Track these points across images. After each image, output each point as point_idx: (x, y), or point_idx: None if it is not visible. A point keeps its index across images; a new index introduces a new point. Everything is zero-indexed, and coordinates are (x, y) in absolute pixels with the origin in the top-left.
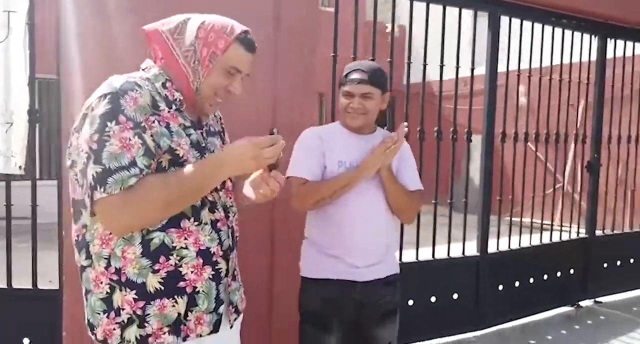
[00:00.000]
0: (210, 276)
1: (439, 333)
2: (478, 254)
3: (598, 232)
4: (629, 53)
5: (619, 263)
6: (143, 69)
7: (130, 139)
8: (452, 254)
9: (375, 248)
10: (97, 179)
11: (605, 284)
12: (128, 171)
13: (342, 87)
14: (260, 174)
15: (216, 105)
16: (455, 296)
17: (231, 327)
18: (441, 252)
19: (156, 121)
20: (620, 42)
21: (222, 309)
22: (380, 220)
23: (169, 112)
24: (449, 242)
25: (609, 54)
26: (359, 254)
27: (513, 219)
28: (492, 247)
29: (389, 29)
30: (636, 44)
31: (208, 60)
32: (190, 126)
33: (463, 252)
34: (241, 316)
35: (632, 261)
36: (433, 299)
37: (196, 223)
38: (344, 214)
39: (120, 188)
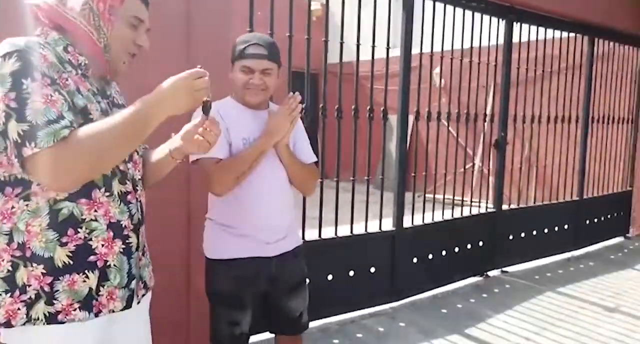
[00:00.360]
0: (121, 250)
1: (357, 306)
2: (394, 228)
3: (505, 207)
4: (534, 37)
5: (523, 234)
6: (38, 36)
7: (51, 95)
8: (370, 230)
9: (282, 223)
10: (25, 136)
11: (510, 255)
12: (58, 123)
13: (239, 62)
14: (200, 122)
15: (129, 63)
16: (372, 269)
17: (138, 303)
18: (360, 228)
19: (69, 79)
20: (525, 27)
21: (133, 284)
22: (284, 196)
23: (76, 75)
24: (366, 218)
25: (516, 38)
26: (267, 231)
27: (429, 195)
28: (407, 223)
29: (314, 7)
30: (540, 28)
31: (108, 13)
32: (97, 93)
33: (380, 228)
34: (150, 293)
35: (534, 233)
36: (351, 273)
37: (107, 194)
38: (248, 192)
39: (54, 141)
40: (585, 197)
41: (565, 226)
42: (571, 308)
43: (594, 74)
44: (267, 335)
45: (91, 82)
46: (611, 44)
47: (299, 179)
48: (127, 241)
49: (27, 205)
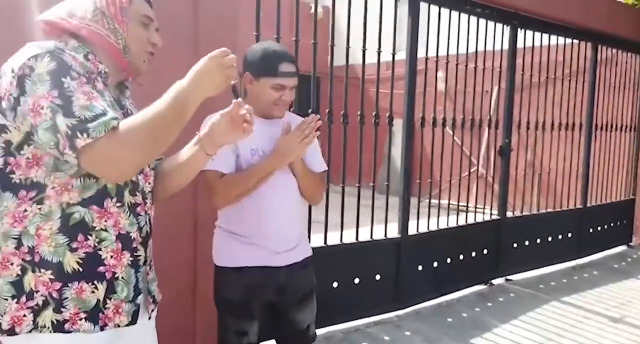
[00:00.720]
0: (130, 263)
1: (362, 314)
2: (399, 236)
3: (509, 214)
4: (538, 43)
5: (527, 243)
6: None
7: (91, 93)
8: (375, 236)
9: (292, 233)
10: (76, 128)
11: (515, 263)
12: (105, 116)
13: (271, 79)
14: (234, 106)
15: (149, 61)
16: (377, 277)
17: (149, 318)
18: (365, 234)
19: (97, 80)
20: (530, 33)
21: (140, 299)
22: (295, 206)
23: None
24: (371, 225)
25: (520, 44)
26: (278, 241)
27: (434, 201)
28: (412, 229)
29: (313, 10)
30: (544, 34)
31: (120, 15)
32: (115, 103)
33: (385, 235)
34: (156, 307)
35: (538, 241)
36: (356, 280)
37: (118, 204)
38: (259, 202)
39: (105, 131)
40: (588, 205)
41: (569, 234)
42: (576, 318)
43: (597, 80)
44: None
45: (110, 91)
46: (614, 50)
47: (310, 190)
48: (135, 254)
49: (39, 208)
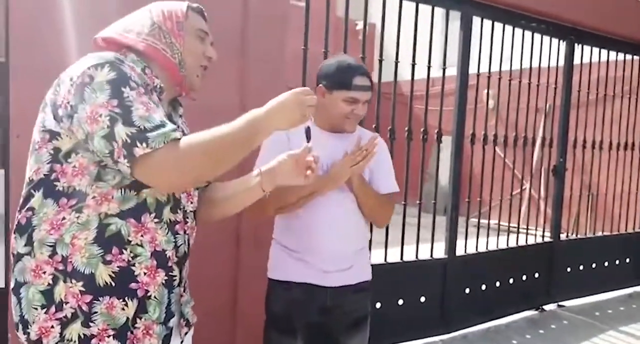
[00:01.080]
0: (163, 282)
1: (405, 337)
2: (446, 256)
3: (562, 237)
4: (596, 59)
5: (581, 267)
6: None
7: (150, 103)
8: (421, 256)
9: (344, 252)
10: (135, 137)
11: (568, 288)
12: (164, 127)
13: (344, 92)
14: (304, 150)
15: (202, 76)
16: (422, 299)
17: (182, 342)
18: (410, 252)
19: (152, 93)
20: (587, 48)
21: (172, 322)
22: (350, 223)
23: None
24: (417, 245)
25: (577, 59)
26: (327, 259)
27: (482, 221)
28: (460, 250)
29: (358, 27)
30: (602, 50)
31: (177, 29)
32: (167, 118)
33: (431, 255)
34: (192, 330)
35: (594, 265)
36: (400, 302)
37: (156, 220)
38: (312, 216)
39: (164, 142)
40: None
41: (627, 260)
42: None
43: None
44: None
45: (163, 105)
46: None
47: (367, 208)
48: (170, 274)
49: (77, 217)
